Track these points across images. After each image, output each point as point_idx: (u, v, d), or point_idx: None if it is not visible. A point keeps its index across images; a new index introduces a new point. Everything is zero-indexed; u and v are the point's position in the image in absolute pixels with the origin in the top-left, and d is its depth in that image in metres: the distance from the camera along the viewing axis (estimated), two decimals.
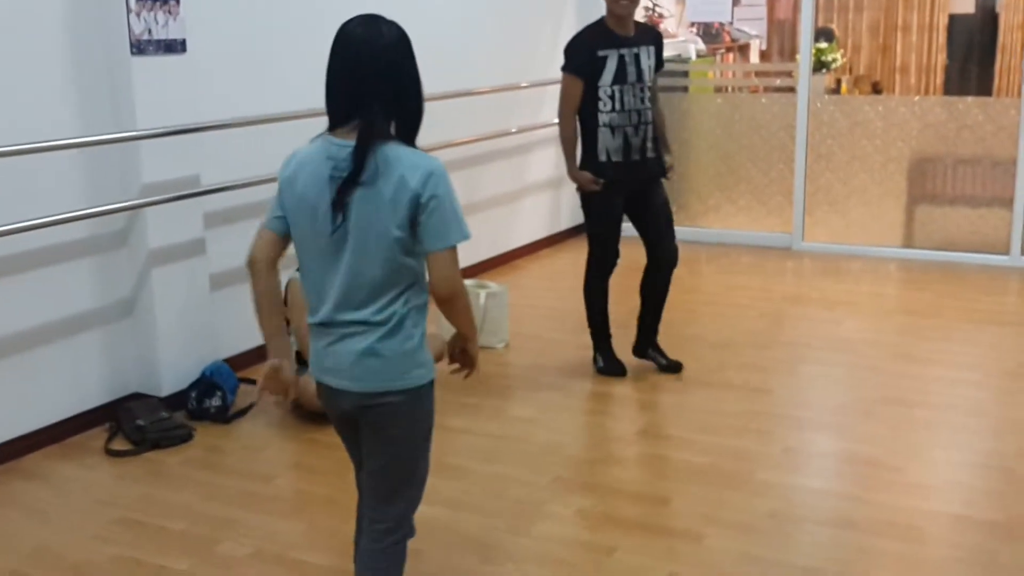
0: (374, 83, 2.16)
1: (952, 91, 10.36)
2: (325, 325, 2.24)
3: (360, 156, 2.12)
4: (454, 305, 2.21)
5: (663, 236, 4.41)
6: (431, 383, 2.27)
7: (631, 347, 4.57)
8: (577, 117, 4.22)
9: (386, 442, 2.28)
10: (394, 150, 2.14)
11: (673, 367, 4.52)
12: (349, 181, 2.12)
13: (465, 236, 2.16)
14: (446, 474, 3.59)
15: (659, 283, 4.47)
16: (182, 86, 4.12)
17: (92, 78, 3.92)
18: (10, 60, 3.66)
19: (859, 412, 4.12)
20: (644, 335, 4.56)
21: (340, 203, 2.13)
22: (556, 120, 4.36)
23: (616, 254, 4.42)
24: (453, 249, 2.16)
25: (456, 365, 2.40)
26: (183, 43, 4.09)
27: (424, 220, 2.12)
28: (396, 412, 2.24)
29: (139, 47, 3.92)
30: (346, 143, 2.16)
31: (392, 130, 2.18)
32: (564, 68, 4.20)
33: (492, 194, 6.36)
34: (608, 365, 4.48)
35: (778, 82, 7.51)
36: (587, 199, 4.30)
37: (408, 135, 2.21)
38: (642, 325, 4.56)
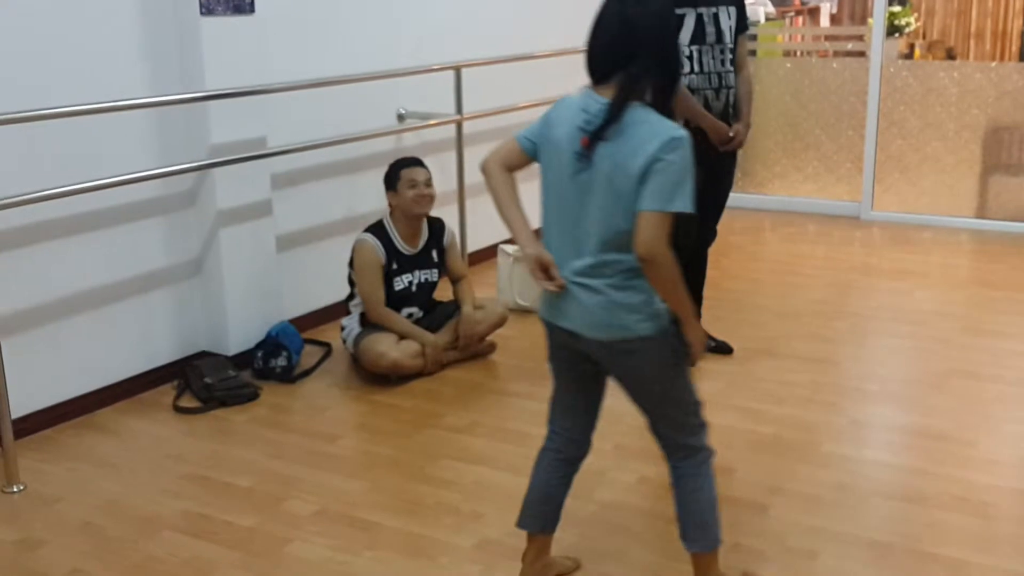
0: (642, 46, 2.22)
1: None
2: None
3: (612, 112, 2.20)
4: (653, 266, 2.21)
5: (710, 217, 4.16)
6: (661, 333, 2.32)
7: None
8: None
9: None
10: (644, 113, 2.21)
11: (722, 348, 4.37)
12: (596, 135, 2.21)
13: (683, 207, 2.18)
14: (509, 439, 3.60)
15: (699, 263, 4.27)
16: (250, 47, 4.13)
17: (161, 38, 3.95)
18: (80, 22, 3.69)
19: (928, 385, 4.04)
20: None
21: (585, 154, 2.23)
22: None
23: (708, 235, 4.20)
24: (663, 214, 2.17)
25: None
26: (251, 3, 4.09)
27: (650, 180, 2.17)
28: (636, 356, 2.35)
29: (208, 7, 3.93)
30: (602, 99, 2.24)
31: (648, 96, 2.24)
32: None
33: None
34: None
35: (849, 46, 7.34)
36: None
37: (663, 102, 2.26)
38: None
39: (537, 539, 2.62)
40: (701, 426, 2.47)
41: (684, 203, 2.18)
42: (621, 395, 2.49)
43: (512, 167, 2.41)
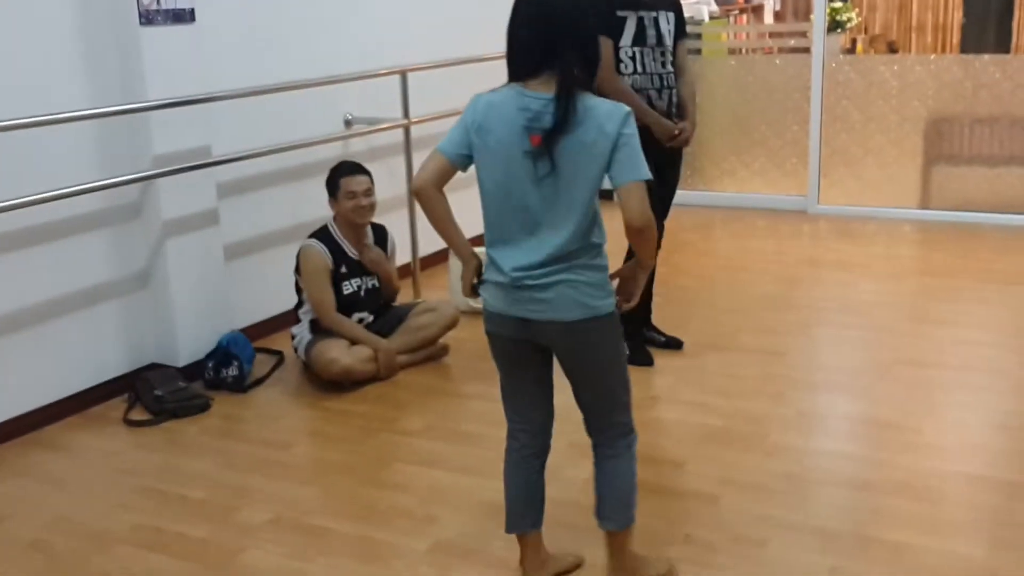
0: (568, 36, 2.28)
1: (969, 49, 10.23)
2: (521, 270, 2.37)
3: (565, 106, 2.24)
4: (644, 235, 2.34)
5: (657, 213, 4.20)
6: (615, 311, 2.44)
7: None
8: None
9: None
10: (589, 99, 2.28)
11: (672, 343, 4.42)
12: (555, 131, 2.24)
13: (649, 174, 2.31)
14: (463, 441, 3.61)
15: None
16: (192, 56, 4.11)
17: (101, 50, 3.92)
18: (18, 33, 3.65)
19: (875, 374, 4.11)
20: (638, 315, 4.40)
21: (548, 152, 2.26)
22: None
23: (659, 229, 4.23)
24: (640, 183, 2.28)
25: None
26: (191, 12, 4.07)
27: (618, 156, 2.27)
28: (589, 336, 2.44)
29: (147, 17, 3.90)
30: (540, 95, 2.27)
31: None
32: None
33: None
34: (635, 355, 4.22)
35: (792, 43, 7.44)
36: None
37: (589, 84, 2.33)
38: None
39: (530, 538, 2.66)
40: (630, 405, 2.56)
41: (648, 170, 2.31)
42: (572, 393, 2.52)
43: (444, 183, 2.41)
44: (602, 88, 4.00)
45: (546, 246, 2.33)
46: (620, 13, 3.96)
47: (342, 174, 4.19)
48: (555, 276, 2.34)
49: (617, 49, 3.97)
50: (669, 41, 4.06)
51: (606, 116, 2.26)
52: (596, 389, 2.49)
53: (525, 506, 2.64)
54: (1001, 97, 6.41)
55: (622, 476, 2.56)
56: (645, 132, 4.00)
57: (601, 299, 2.38)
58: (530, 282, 2.35)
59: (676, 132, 4.04)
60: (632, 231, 2.32)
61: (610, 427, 2.53)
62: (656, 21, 4.01)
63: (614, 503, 2.56)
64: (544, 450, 2.64)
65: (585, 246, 2.34)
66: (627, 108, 2.29)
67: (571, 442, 3.46)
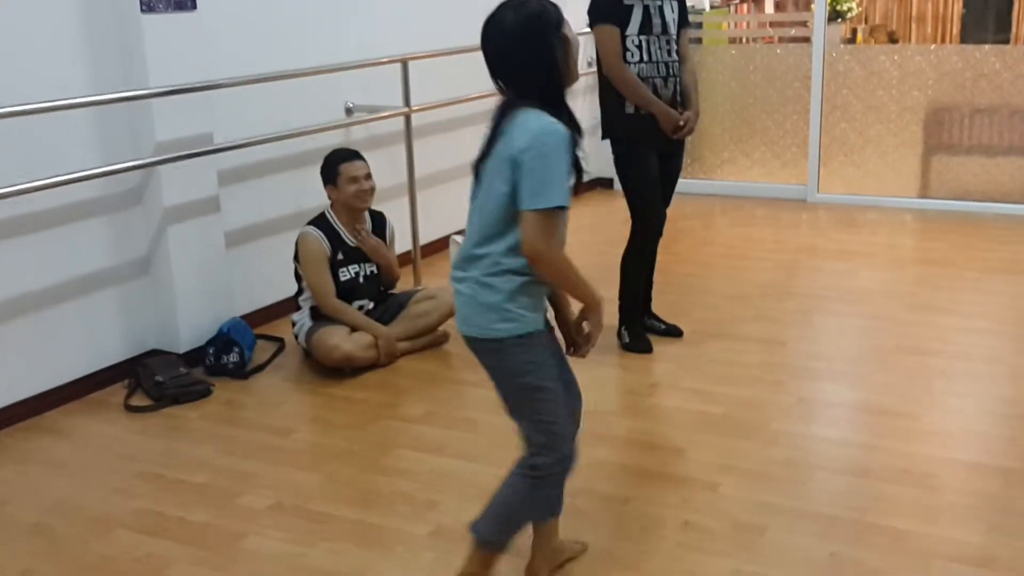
0: (496, 64, 2.30)
1: (969, 39, 10.23)
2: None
3: (495, 120, 2.26)
4: (539, 269, 2.24)
5: (662, 203, 4.23)
6: (518, 337, 2.31)
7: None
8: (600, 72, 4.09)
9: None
10: (526, 114, 2.22)
11: (673, 331, 4.43)
12: (484, 147, 2.28)
13: (558, 203, 2.17)
14: (463, 427, 3.62)
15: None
16: (193, 43, 4.11)
17: (102, 36, 3.91)
18: (20, 20, 3.65)
19: (874, 362, 4.13)
20: (639, 303, 4.41)
21: (477, 161, 2.31)
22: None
23: (661, 219, 4.22)
24: (542, 212, 2.17)
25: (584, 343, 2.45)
26: (193, 0, 4.07)
27: (519, 178, 2.18)
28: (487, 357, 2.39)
29: (149, 5, 3.90)
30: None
31: (536, 99, 2.24)
32: (597, 21, 4.01)
33: None
34: (634, 342, 4.29)
35: (793, 32, 7.45)
36: (623, 163, 4.12)
37: (553, 102, 2.25)
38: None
39: (546, 525, 2.63)
40: (546, 448, 2.38)
41: (557, 197, 2.17)
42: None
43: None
44: (609, 77, 4.04)
45: (460, 249, 2.36)
46: (627, 2, 3.97)
47: (340, 160, 4.20)
48: (458, 284, 2.34)
49: (624, 38, 3.97)
50: (674, 29, 4.07)
51: (520, 133, 2.19)
52: (508, 403, 2.43)
53: None
54: (1001, 87, 6.42)
55: (505, 493, 2.45)
56: (650, 121, 4.03)
57: (494, 322, 2.29)
58: (453, 283, 2.37)
59: (681, 123, 4.04)
60: (527, 258, 2.22)
61: (525, 440, 2.42)
62: (661, 9, 4.01)
63: (491, 514, 2.47)
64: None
65: (488, 255, 2.27)
66: (553, 128, 2.18)
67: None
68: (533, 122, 2.20)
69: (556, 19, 2.28)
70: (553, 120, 2.20)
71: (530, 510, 2.51)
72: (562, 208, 2.19)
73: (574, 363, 2.54)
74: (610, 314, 4.38)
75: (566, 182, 2.19)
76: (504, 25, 2.28)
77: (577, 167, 2.24)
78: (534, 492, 2.44)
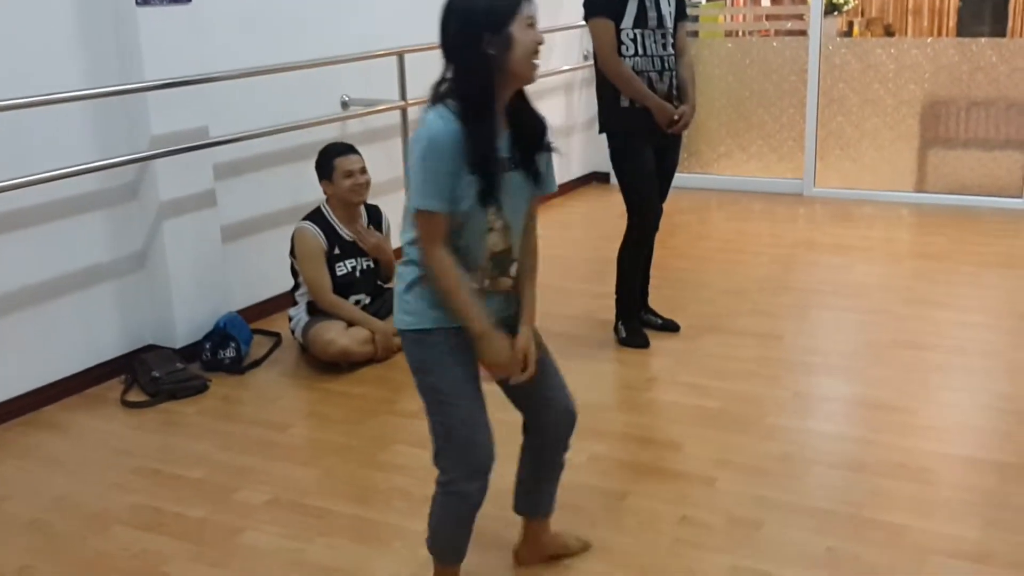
0: (446, 47, 2.29)
1: (965, 32, 10.23)
2: None
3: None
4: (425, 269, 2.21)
5: (659, 198, 4.21)
6: (414, 332, 2.27)
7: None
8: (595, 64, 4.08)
9: None
10: (428, 114, 2.18)
11: (669, 325, 4.42)
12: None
13: (416, 205, 2.13)
14: None
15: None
16: (189, 36, 4.10)
17: (98, 30, 3.90)
18: (15, 13, 3.63)
19: (870, 356, 4.13)
20: (635, 298, 4.38)
21: None
22: (564, 68, 4.25)
23: (658, 213, 4.20)
24: (415, 212, 2.15)
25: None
26: None
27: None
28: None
29: None
30: None
31: (456, 100, 2.19)
32: (592, 14, 3.99)
33: None
34: (631, 337, 4.29)
35: (789, 25, 7.44)
36: (619, 157, 4.11)
37: (470, 108, 2.17)
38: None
39: (536, 522, 2.67)
40: (441, 454, 2.32)
41: (416, 199, 2.14)
42: (566, 375, 2.53)
43: None
44: (604, 71, 4.03)
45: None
46: None
47: (335, 155, 4.19)
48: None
49: (619, 31, 3.95)
50: (670, 23, 4.05)
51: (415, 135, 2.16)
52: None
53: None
54: (997, 80, 6.42)
55: (433, 511, 2.42)
56: (645, 115, 4.02)
57: (398, 311, 2.29)
58: None
59: (676, 117, 4.03)
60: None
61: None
62: (657, 3, 3.99)
63: (430, 527, 2.45)
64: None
65: (403, 248, 2.28)
66: (421, 132, 2.14)
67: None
68: (423, 124, 2.16)
69: (498, 14, 2.18)
70: (437, 120, 2.13)
71: (440, 525, 2.42)
72: (428, 212, 2.12)
73: (574, 365, 2.53)
74: (607, 309, 4.43)
75: (430, 186, 2.11)
76: (444, 12, 2.28)
77: (485, 173, 2.14)
78: (440, 507, 2.38)
